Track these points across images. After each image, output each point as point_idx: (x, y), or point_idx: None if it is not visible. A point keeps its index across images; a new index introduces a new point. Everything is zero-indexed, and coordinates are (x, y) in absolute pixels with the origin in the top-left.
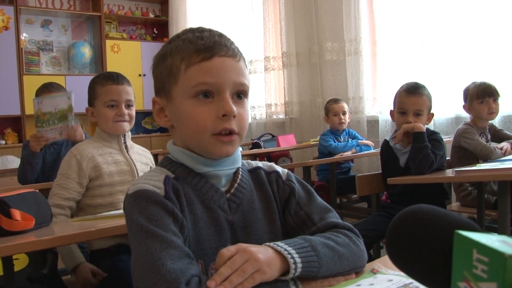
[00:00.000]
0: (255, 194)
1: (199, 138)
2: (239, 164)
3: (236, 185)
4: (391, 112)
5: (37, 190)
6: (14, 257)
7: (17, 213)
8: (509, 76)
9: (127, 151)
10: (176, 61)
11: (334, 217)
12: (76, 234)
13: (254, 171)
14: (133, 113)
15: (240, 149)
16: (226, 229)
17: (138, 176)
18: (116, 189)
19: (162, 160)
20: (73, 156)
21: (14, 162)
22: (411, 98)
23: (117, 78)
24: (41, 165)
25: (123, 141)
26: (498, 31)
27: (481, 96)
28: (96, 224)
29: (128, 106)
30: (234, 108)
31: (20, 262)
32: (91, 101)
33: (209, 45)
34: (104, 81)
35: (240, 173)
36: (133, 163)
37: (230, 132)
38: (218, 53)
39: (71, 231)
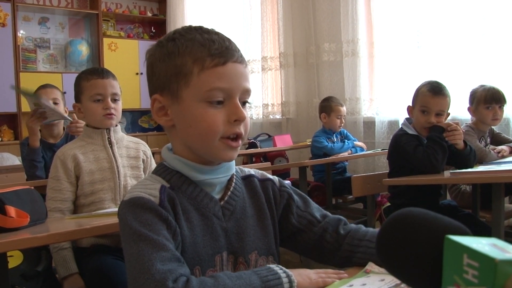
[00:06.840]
0: (247, 201)
1: (208, 141)
2: (233, 171)
3: (229, 192)
4: (409, 108)
5: (33, 187)
6: (8, 254)
7: (12, 210)
8: (507, 78)
9: (111, 147)
10: (187, 63)
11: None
12: (71, 232)
13: (247, 179)
14: (119, 107)
15: None
16: (220, 235)
17: (119, 173)
18: (97, 188)
19: (157, 168)
20: (57, 158)
21: (9, 159)
22: (436, 99)
23: (101, 72)
24: (44, 169)
25: (107, 136)
26: (495, 33)
27: (488, 102)
28: (91, 222)
29: (114, 100)
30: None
31: (15, 259)
32: (78, 96)
33: (223, 50)
34: (89, 75)
35: (234, 180)
36: (115, 160)
37: (237, 137)
38: (231, 58)
39: (66, 228)
